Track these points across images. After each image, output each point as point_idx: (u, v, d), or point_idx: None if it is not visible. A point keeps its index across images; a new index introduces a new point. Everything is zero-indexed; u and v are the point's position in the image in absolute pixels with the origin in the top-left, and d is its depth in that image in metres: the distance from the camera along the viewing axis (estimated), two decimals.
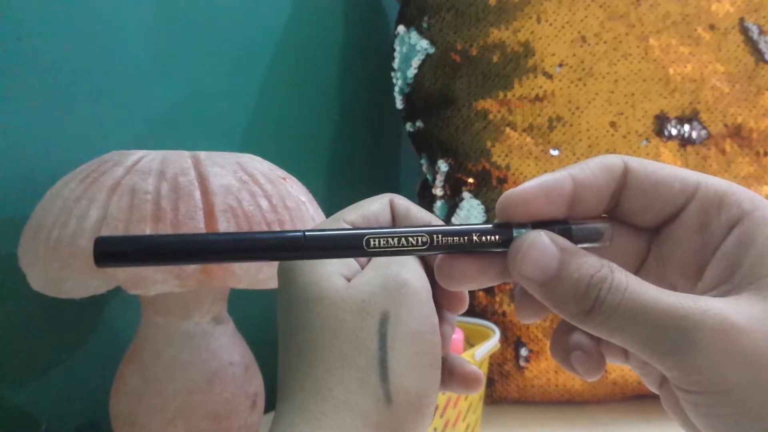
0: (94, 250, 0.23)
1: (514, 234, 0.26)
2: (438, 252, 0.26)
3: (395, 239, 0.25)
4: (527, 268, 0.24)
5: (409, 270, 0.28)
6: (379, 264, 0.28)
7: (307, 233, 0.25)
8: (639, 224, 0.27)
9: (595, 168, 0.26)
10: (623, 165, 0.26)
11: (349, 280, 0.27)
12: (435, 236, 0.26)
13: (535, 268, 0.24)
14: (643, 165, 0.26)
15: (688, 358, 0.22)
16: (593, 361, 0.28)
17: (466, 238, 0.26)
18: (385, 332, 0.26)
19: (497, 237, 0.26)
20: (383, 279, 0.27)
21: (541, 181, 0.26)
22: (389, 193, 0.31)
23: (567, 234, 0.26)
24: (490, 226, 0.26)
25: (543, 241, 0.25)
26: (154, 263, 0.24)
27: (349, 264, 0.28)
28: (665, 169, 0.26)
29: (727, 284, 0.24)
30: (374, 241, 0.25)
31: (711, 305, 0.23)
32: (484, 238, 0.26)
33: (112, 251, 0.23)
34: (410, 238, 0.25)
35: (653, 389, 0.29)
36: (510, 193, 0.26)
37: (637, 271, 0.27)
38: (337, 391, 0.25)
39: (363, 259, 0.29)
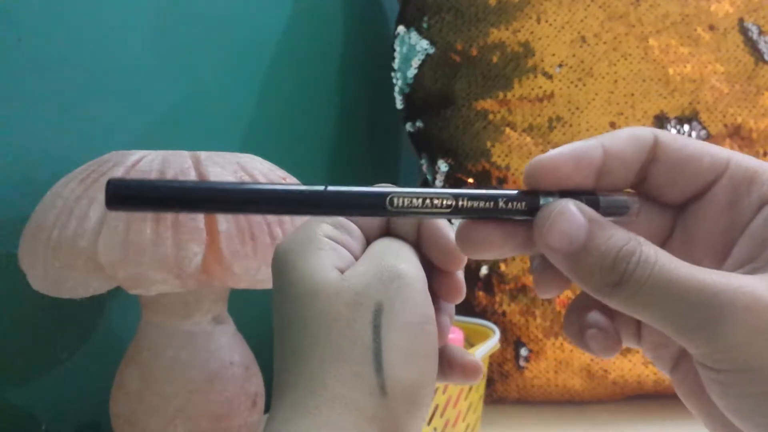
0: (106, 192, 0.22)
1: (541, 202, 0.25)
2: (461, 216, 0.26)
3: (419, 200, 0.25)
4: (554, 238, 0.24)
5: (404, 260, 0.27)
6: (373, 255, 0.28)
7: (328, 188, 0.24)
8: (666, 200, 0.27)
9: (625, 138, 0.26)
10: (653, 137, 0.26)
11: (343, 272, 0.27)
12: (460, 199, 0.25)
13: (562, 239, 0.24)
14: (673, 138, 0.26)
15: (718, 335, 0.22)
16: (609, 339, 0.27)
17: (492, 203, 0.25)
18: (379, 324, 0.26)
19: (523, 204, 0.25)
20: (377, 270, 0.27)
21: (572, 148, 0.25)
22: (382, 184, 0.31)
23: (594, 205, 0.25)
24: (517, 192, 0.25)
25: (571, 211, 0.24)
26: (167, 210, 0.24)
27: (342, 256, 0.28)
28: (695, 143, 0.26)
29: (756, 262, 0.24)
30: (398, 200, 0.25)
31: (744, 282, 0.22)
32: (510, 204, 0.25)
33: (124, 194, 0.22)
34: (435, 200, 0.25)
35: (665, 372, 0.29)
36: (540, 158, 0.25)
37: (662, 248, 0.27)
38: (332, 384, 0.25)
39: (357, 251, 0.29)
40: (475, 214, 0.25)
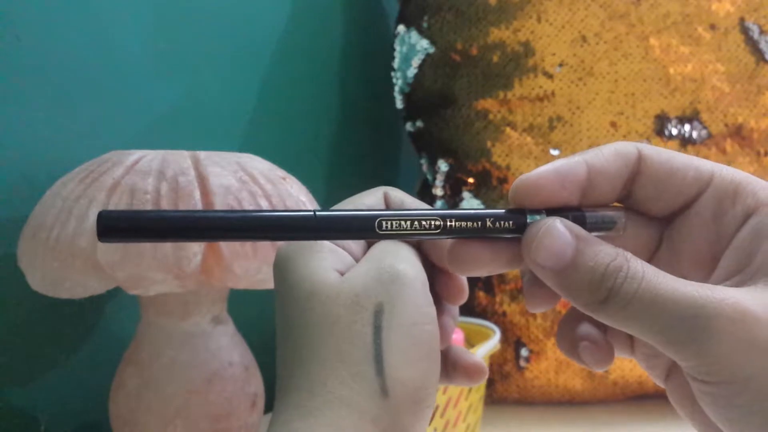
0: (98, 224, 0.22)
1: (528, 220, 0.25)
2: (450, 236, 0.26)
3: (408, 222, 0.25)
4: (542, 256, 0.24)
5: (404, 261, 0.27)
6: (374, 257, 0.27)
7: (318, 213, 0.24)
8: (651, 213, 0.27)
9: (609, 154, 0.26)
10: (637, 152, 0.26)
11: (343, 274, 0.27)
12: (448, 220, 0.25)
13: (549, 256, 0.24)
14: (657, 152, 0.26)
15: (705, 348, 0.22)
16: (602, 351, 0.27)
17: (479, 222, 0.26)
18: (379, 324, 0.26)
19: (511, 223, 0.26)
20: (377, 271, 0.26)
21: (555, 166, 0.25)
22: (383, 186, 0.31)
23: (581, 221, 0.25)
24: (504, 211, 0.26)
25: (558, 228, 0.24)
26: (159, 240, 0.24)
27: (342, 258, 0.28)
28: (679, 157, 0.26)
29: (742, 275, 0.24)
30: (386, 223, 0.25)
31: (728, 294, 0.22)
32: (497, 223, 0.26)
33: (115, 226, 0.23)
34: (423, 222, 0.25)
35: (658, 382, 0.29)
36: (524, 177, 0.25)
37: (649, 261, 0.27)
38: (332, 386, 0.25)
39: (358, 253, 0.29)
40: (463, 234, 0.26)
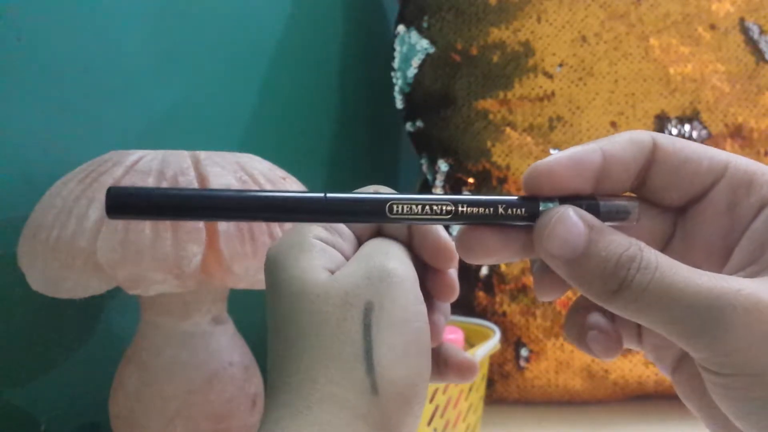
0: (106, 200, 0.22)
1: (541, 208, 0.25)
2: (461, 222, 0.26)
3: (419, 206, 0.25)
4: (554, 245, 0.24)
5: (394, 259, 0.27)
6: (363, 255, 0.27)
7: (328, 195, 0.24)
8: (665, 203, 0.27)
9: (624, 142, 0.26)
10: (652, 140, 0.26)
11: (333, 273, 0.27)
12: (459, 205, 0.25)
13: (561, 245, 0.24)
14: (671, 141, 0.26)
15: (720, 339, 0.22)
16: (610, 341, 0.27)
17: (491, 209, 0.25)
18: (369, 322, 0.25)
19: (523, 210, 0.25)
20: (366, 270, 0.26)
21: (571, 153, 0.25)
22: (374, 185, 0.31)
23: (594, 210, 0.25)
24: (516, 198, 0.25)
25: (571, 218, 0.24)
26: (168, 217, 0.24)
27: (333, 257, 0.28)
28: (694, 146, 0.26)
29: (756, 265, 0.24)
30: (398, 207, 0.25)
31: (744, 285, 0.22)
32: (509, 210, 0.25)
33: (125, 202, 0.23)
34: (434, 206, 0.25)
35: (666, 374, 0.29)
36: (539, 164, 0.25)
37: (662, 251, 0.27)
38: (322, 384, 0.25)
39: (349, 252, 0.29)
40: (474, 220, 0.25)
